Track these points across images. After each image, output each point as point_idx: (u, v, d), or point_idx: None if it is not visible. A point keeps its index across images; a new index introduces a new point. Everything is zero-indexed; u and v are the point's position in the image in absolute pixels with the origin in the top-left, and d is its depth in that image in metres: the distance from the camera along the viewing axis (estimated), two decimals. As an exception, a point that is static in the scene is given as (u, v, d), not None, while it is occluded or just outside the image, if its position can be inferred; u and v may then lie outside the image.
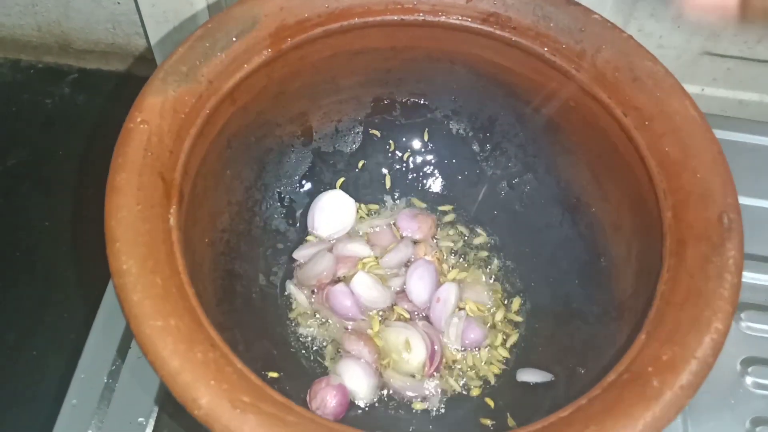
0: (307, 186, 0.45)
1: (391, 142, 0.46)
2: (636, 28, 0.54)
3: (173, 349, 0.26)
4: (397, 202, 0.47)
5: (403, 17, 0.37)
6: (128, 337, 0.42)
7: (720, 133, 0.51)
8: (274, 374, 0.38)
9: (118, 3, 0.62)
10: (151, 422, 0.40)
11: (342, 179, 0.46)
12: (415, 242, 0.45)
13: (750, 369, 0.45)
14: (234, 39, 0.34)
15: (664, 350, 0.28)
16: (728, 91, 0.60)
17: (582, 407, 0.28)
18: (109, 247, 0.28)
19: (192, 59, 0.33)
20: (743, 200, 0.33)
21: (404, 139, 0.46)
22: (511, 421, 0.37)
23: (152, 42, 0.61)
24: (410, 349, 0.40)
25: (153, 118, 0.31)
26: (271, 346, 0.39)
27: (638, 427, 0.26)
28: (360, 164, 0.46)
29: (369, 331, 0.41)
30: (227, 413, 0.25)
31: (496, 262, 0.45)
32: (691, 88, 0.59)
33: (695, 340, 0.28)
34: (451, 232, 0.46)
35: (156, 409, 0.40)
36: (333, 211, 0.44)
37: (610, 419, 0.26)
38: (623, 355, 0.29)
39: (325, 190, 0.45)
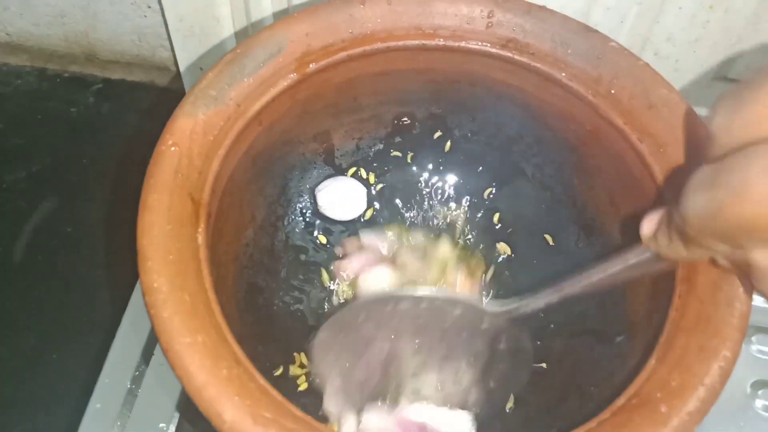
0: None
1: (410, 160, 0.47)
2: (652, 51, 0.55)
3: (200, 364, 0.27)
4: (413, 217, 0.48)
5: (424, 42, 0.38)
6: (151, 344, 0.44)
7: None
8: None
9: (145, 16, 0.64)
10: (172, 428, 0.41)
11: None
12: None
13: (760, 392, 0.46)
14: (261, 64, 0.35)
15: (672, 376, 0.29)
16: (743, 115, 0.60)
17: (592, 430, 0.28)
18: (141, 264, 0.29)
19: (221, 83, 0.34)
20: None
21: (423, 158, 0.47)
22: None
23: (178, 55, 0.62)
24: None
25: (183, 141, 0.32)
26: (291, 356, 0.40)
27: (647, 451, 0.27)
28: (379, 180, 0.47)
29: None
30: (250, 428, 0.26)
31: (512, 277, 0.46)
32: (706, 112, 0.60)
33: (704, 366, 0.29)
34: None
35: (177, 415, 0.41)
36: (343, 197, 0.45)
37: (620, 442, 0.27)
38: (633, 378, 0.30)
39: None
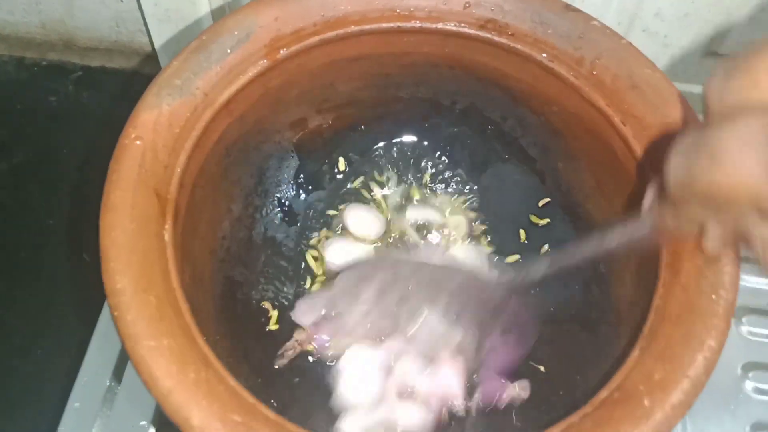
0: (307, 191, 0.46)
1: (392, 145, 0.46)
2: (641, 27, 0.54)
3: (166, 369, 0.26)
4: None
5: (399, 24, 0.37)
6: (130, 342, 0.43)
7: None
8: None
9: (122, 1, 0.62)
10: (153, 425, 0.41)
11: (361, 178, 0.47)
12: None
13: (751, 374, 0.46)
14: (228, 51, 0.34)
15: (656, 368, 0.28)
16: (734, 90, 0.60)
17: (574, 424, 0.28)
18: (104, 266, 0.28)
19: (186, 72, 0.33)
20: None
21: (405, 142, 0.46)
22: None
23: (155, 40, 0.62)
24: None
25: (147, 134, 0.31)
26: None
27: (628, 446, 0.26)
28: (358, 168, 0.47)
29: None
30: (219, 433, 0.25)
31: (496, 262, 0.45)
32: (697, 88, 0.59)
33: (688, 358, 0.28)
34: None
35: (157, 412, 0.41)
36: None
37: (601, 438, 0.27)
38: (617, 369, 0.29)
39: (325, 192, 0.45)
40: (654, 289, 0.31)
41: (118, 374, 0.42)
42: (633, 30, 0.54)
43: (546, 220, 0.44)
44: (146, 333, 0.27)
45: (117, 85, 0.67)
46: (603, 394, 0.28)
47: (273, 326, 0.42)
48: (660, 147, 0.34)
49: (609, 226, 0.32)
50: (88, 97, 0.66)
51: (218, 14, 0.57)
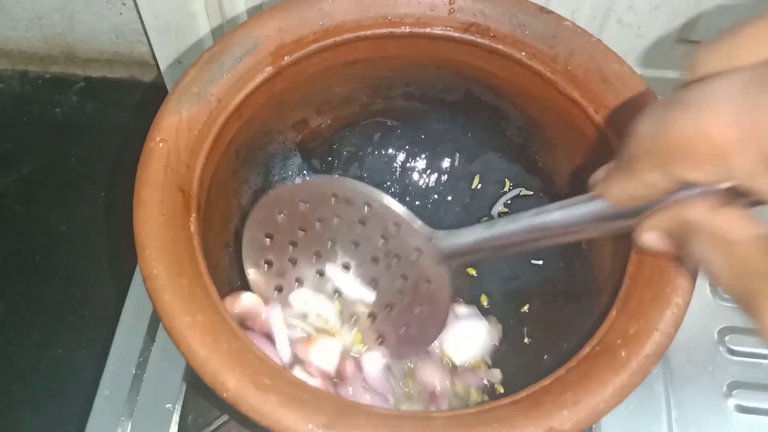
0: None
1: (384, 141, 0.50)
2: (615, 20, 0.57)
3: (201, 341, 0.29)
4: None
5: (391, 30, 0.41)
6: (152, 332, 0.46)
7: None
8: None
9: (120, 14, 0.65)
10: (178, 407, 0.44)
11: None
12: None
13: (727, 338, 0.49)
14: (238, 60, 0.37)
15: (631, 324, 0.32)
16: (708, 74, 0.62)
17: (560, 377, 0.31)
18: (140, 254, 0.31)
19: (202, 81, 0.36)
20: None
21: (396, 139, 0.50)
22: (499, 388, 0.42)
23: (156, 50, 0.63)
24: None
25: (170, 137, 0.34)
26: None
27: (608, 391, 0.30)
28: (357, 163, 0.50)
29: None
30: (252, 394, 0.29)
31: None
32: (672, 74, 0.62)
33: (658, 314, 0.32)
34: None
35: (182, 395, 0.44)
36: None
37: (584, 386, 0.30)
38: (597, 329, 0.33)
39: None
40: (628, 258, 0.35)
41: (142, 363, 0.45)
42: (608, 22, 0.57)
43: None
44: (182, 310, 0.30)
45: (119, 93, 0.69)
46: (585, 350, 0.32)
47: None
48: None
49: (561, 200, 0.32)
50: (91, 107, 0.68)
51: (216, 24, 0.60)
